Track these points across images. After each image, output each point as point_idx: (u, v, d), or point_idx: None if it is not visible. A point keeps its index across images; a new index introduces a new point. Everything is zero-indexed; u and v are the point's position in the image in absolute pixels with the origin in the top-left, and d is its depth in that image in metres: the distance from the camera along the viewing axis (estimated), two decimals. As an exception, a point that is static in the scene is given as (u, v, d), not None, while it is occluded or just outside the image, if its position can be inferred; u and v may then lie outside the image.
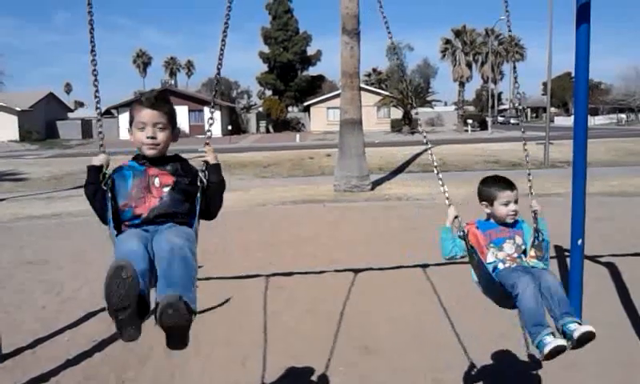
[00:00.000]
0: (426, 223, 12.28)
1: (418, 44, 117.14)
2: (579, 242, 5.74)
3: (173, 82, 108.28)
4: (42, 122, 62.42)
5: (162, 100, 2.95)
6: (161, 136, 2.87)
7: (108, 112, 73.34)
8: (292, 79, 77.73)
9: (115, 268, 2.52)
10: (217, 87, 3.79)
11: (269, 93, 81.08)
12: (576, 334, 3.31)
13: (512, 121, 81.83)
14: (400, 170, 22.16)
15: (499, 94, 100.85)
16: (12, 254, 9.01)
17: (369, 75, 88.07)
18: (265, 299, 6.77)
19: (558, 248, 8.30)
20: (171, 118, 2.94)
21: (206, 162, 2.96)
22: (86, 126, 66.97)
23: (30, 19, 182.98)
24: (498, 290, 3.51)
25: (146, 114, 2.86)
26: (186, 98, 66.78)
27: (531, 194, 3.96)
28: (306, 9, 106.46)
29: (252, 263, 8.28)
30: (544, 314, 3.36)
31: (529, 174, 4.10)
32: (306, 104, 72.49)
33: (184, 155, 3.09)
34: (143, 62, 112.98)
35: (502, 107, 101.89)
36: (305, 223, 11.66)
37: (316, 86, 79.62)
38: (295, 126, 70.74)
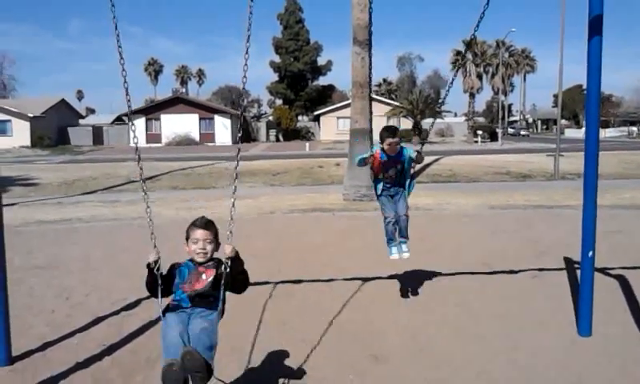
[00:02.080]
0: (436, 233, 12.48)
1: (429, 55, 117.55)
2: (590, 254, 5.74)
3: (184, 90, 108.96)
4: (54, 128, 62.84)
5: (211, 224, 4.04)
6: (209, 248, 4.01)
7: (119, 119, 73.81)
8: (302, 89, 78.01)
9: (168, 364, 3.55)
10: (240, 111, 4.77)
11: (279, 102, 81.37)
12: (405, 256, 6.44)
13: (522, 132, 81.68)
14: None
15: (509, 106, 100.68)
16: (22, 258, 9.04)
17: (379, 85, 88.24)
18: (273, 306, 6.81)
19: (567, 260, 8.30)
20: (215, 236, 4.04)
21: (230, 258, 3.94)
22: (98, 133, 67.37)
23: (44, 26, 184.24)
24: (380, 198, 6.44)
25: (199, 233, 3.99)
26: (196, 106, 67.14)
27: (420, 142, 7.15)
28: (317, 19, 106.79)
29: (261, 270, 8.26)
30: (394, 232, 6.49)
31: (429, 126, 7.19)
32: (316, 113, 72.63)
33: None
34: (155, 70, 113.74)
35: (512, 119, 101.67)
36: (314, 232, 11.65)
37: (326, 95, 79.85)
38: (305, 135, 70.87)
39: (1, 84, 79.66)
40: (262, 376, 5.00)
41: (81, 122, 74.94)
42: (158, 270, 3.95)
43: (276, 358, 5.35)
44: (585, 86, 5.79)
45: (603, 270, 7.46)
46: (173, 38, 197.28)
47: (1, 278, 5.20)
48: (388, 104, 64.48)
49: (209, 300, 3.89)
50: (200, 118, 64.52)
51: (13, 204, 16.21)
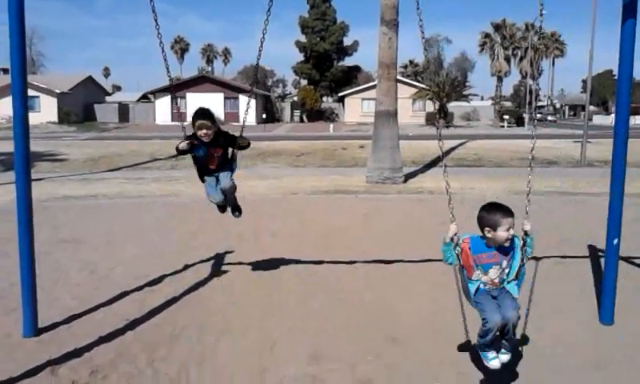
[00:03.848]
0: (458, 218, 12.15)
1: (457, 37, 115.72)
2: (615, 241, 5.68)
3: (210, 68, 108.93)
4: (80, 105, 63.49)
5: (209, 115, 5.50)
6: (210, 132, 5.48)
7: (145, 97, 74.18)
8: (327, 69, 77.65)
9: (216, 204, 6.04)
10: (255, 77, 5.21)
11: (304, 82, 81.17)
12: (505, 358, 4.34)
13: (549, 118, 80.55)
14: (433, 163, 21.96)
15: (537, 91, 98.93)
16: (48, 232, 9.19)
17: (405, 67, 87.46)
18: (294, 285, 6.88)
19: (591, 247, 8.22)
20: (214, 121, 5.51)
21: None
22: (123, 110, 67.87)
23: (73, 2, 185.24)
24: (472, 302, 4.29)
25: (202, 124, 5.43)
26: (222, 85, 67.20)
27: (527, 213, 4.42)
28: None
29: (283, 250, 8.34)
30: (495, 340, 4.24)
31: (528, 197, 4.58)
32: (340, 94, 72.36)
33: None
34: (181, 48, 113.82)
35: (540, 103, 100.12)
36: (336, 213, 11.68)
37: (351, 76, 79.43)
38: (329, 116, 70.71)
39: (30, 60, 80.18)
40: (281, 354, 5.05)
41: (107, 98, 75.57)
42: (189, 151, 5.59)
43: (294, 337, 5.41)
44: (615, 72, 5.69)
45: (627, 259, 7.37)
46: (202, 16, 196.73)
47: (28, 251, 5.29)
48: (414, 86, 63.95)
49: (225, 166, 5.78)
50: (225, 98, 64.63)
51: (40, 179, 16.46)
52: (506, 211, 4.11)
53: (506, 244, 4.13)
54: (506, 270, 4.21)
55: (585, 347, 5.19)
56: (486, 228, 4.10)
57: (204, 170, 5.84)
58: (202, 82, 66.91)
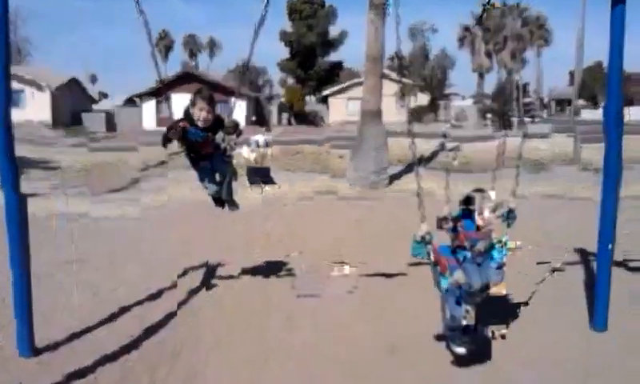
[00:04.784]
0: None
1: (444, 26, 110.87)
2: (609, 247, 5.70)
3: (193, 63, 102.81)
4: (68, 110, 61.65)
5: (213, 98, 5.32)
6: (210, 117, 5.28)
7: (131, 101, 72.72)
8: (311, 67, 76.61)
9: (211, 196, 5.89)
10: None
11: (290, 81, 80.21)
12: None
13: (536, 120, 79.26)
14: (419, 162, 21.80)
15: (525, 86, 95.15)
16: (49, 253, 9.20)
17: (392, 59, 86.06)
18: (284, 291, 7.29)
19: (582, 251, 8.28)
20: (215, 108, 5.31)
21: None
22: (110, 119, 66.39)
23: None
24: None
25: (204, 105, 5.22)
26: (211, 86, 65.16)
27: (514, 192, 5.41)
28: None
29: (274, 254, 8.74)
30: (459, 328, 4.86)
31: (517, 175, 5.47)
32: (324, 94, 71.24)
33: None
34: (165, 45, 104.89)
35: (527, 100, 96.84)
36: (324, 217, 12.11)
37: (334, 74, 78.37)
38: (313, 119, 69.24)
39: (15, 47, 70.73)
40: (271, 358, 5.40)
41: (94, 107, 74.09)
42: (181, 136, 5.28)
43: (286, 341, 5.78)
44: (605, 64, 5.60)
45: (621, 263, 7.43)
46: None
47: (24, 272, 5.29)
48: (399, 82, 63.04)
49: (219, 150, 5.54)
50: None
51: (36, 194, 16.48)
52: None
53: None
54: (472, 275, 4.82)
55: (577, 353, 5.35)
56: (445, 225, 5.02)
57: (197, 157, 5.53)
58: (188, 80, 63.64)
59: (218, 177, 5.64)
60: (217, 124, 5.36)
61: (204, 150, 5.42)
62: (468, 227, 4.89)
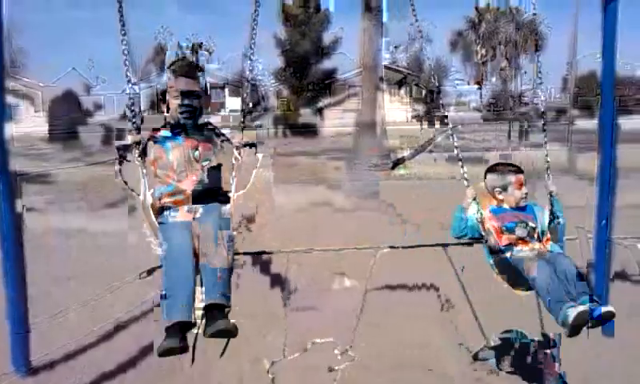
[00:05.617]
0: (446, 203, 12.09)
1: (442, 24, 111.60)
2: (603, 223, 5.70)
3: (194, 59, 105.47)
4: (63, 121, 61.18)
5: (194, 67, 3.17)
6: (195, 103, 3.03)
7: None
8: (305, 76, 76.42)
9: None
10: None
11: (285, 92, 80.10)
12: (596, 313, 3.47)
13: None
14: (422, 149, 21.79)
15: (520, 95, 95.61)
16: (45, 269, 9.20)
17: (391, 52, 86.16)
18: (285, 275, 7.07)
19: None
20: (205, 86, 3.16)
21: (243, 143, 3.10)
22: (107, 131, 66.27)
23: None
24: (513, 273, 3.70)
25: (182, 82, 3.01)
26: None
27: (548, 175, 4.11)
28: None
29: (273, 239, 8.58)
30: (563, 293, 3.45)
31: (546, 155, 4.24)
32: (319, 106, 70.97)
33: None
34: (161, 60, 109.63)
35: (522, 110, 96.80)
36: (325, 202, 11.83)
37: (329, 85, 78.12)
38: (308, 130, 68.94)
39: (9, 58, 74.21)
40: (274, 342, 5.37)
41: (89, 120, 73.86)
42: (140, 155, 2.99)
43: (284, 326, 5.67)
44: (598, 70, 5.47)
45: (619, 275, 7.39)
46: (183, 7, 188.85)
47: (19, 285, 5.23)
48: (399, 72, 62.61)
49: (213, 193, 3.03)
50: (211, 87, 62.74)
51: (31, 209, 16.36)
52: (514, 168, 3.97)
53: (522, 203, 3.91)
54: (535, 229, 3.81)
55: (575, 354, 5.17)
56: (496, 189, 3.95)
57: (166, 196, 3.05)
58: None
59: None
60: (215, 131, 3.18)
61: (185, 174, 3.08)
62: (495, 210, 3.93)
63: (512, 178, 3.91)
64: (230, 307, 3.24)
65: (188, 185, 2.99)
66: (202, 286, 3.06)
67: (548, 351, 4.54)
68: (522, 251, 3.72)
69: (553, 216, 3.93)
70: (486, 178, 4.05)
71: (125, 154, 3.02)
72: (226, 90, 64.03)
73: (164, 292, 3.01)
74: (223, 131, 3.24)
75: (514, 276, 3.74)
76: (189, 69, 3.15)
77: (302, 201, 16.28)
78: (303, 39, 74.76)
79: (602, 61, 5.39)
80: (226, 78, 64.98)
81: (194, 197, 2.99)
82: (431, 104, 52.91)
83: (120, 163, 3.07)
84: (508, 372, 4.52)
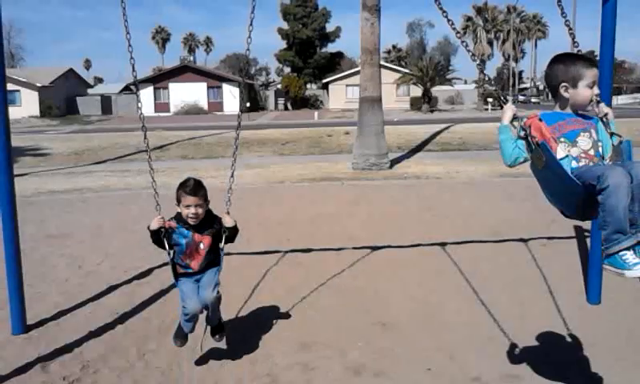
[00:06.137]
0: (444, 202, 12.51)
1: (440, 20, 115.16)
2: None
3: (191, 58, 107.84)
4: (62, 98, 62.84)
5: (200, 187, 4.33)
6: (200, 211, 4.33)
7: (127, 88, 73.68)
8: (311, 56, 77.17)
9: (187, 320, 4.48)
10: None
11: (287, 70, 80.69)
12: None
13: (533, 100, 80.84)
14: (419, 148, 22.03)
15: (520, 73, 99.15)
16: (34, 228, 9.13)
17: (388, 52, 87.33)
18: (282, 274, 6.83)
19: (577, 228, 8.23)
20: (205, 198, 4.36)
21: (227, 228, 4.42)
22: (106, 102, 67.34)
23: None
24: (573, 192, 2.88)
25: (190, 200, 4.28)
26: (204, 74, 66.86)
27: (598, 100, 3.08)
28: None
29: (271, 239, 8.32)
30: (627, 221, 2.68)
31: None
32: (324, 81, 72.07)
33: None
34: (162, 38, 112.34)
35: (523, 86, 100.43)
36: (323, 201, 11.67)
37: (335, 63, 79.03)
38: (314, 103, 70.45)
39: (8, 54, 78.14)
40: (270, 343, 5.05)
41: (89, 91, 74.87)
42: (164, 236, 4.36)
43: (284, 325, 5.42)
44: (597, 53, 5.62)
45: None
46: (181, 4, 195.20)
47: (14, 248, 5.23)
48: (397, 71, 63.87)
49: (211, 262, 4.49)
50: (208, 87, 64.41)
51: (24, 174, 16.31)
52: (589, 60, 3.08)
53: (589, 108, 3.07)
54: (599, 144, 3.00)
55: (572, 326, 5.21)
56: (563, 84, 3.04)
57: (181, 268, 4.46)
58: (184, 71, 66.70)
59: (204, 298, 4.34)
60: (215, 222, 4.42)
61: (193, 260, 4.39)
62: (548, 117, 3.05)
63: (586, 71, 2.99)
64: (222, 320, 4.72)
65: (195, 265, 4.43)
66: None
67: None
68: (586, 165, 2.92)
69: (613, 136, 3.06)
70: (550, 69, 3.12)
71: (157, 235, 4.36)
72: (223, 89, 64.38)
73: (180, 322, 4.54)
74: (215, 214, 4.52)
75: (573, 196, 2.91)
76: (195, 189, 4.30)
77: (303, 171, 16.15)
78: (304, 28, 75.27)
79: (599, 51, 5.42)
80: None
81: (198, 270, 4.45)
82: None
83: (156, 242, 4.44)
84: None
